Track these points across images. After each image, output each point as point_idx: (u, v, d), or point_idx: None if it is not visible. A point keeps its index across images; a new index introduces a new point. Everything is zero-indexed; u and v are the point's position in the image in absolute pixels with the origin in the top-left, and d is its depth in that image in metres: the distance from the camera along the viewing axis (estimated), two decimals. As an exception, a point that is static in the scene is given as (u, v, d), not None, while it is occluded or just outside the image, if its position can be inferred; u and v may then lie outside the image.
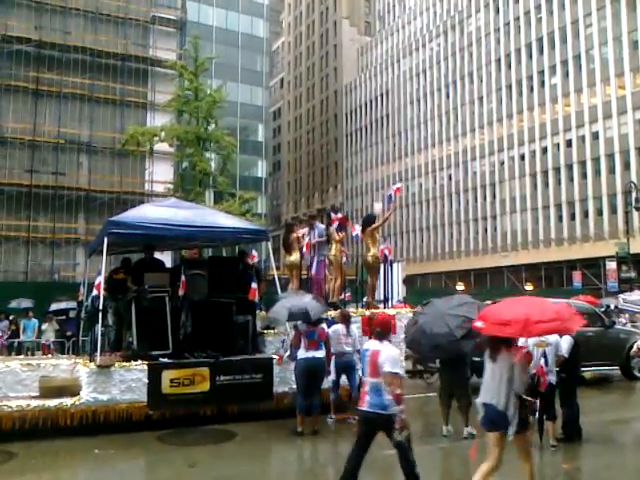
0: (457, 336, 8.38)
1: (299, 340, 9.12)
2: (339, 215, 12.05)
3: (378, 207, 13.48)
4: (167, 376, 9.14)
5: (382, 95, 72.72)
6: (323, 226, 11.98)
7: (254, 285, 10.31)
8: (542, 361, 7.85)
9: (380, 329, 5.97)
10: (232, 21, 56.45)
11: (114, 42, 40.66)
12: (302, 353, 9.03)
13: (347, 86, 77.99)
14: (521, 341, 7.99)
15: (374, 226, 11.74)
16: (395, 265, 12.35)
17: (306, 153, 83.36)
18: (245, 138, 56.10)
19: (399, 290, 12.43)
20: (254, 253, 12.34)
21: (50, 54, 38.80)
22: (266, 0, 60.24)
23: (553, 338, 8.02)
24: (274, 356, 10.07)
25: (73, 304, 17.15)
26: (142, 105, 41.35)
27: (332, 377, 9.68)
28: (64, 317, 18.73)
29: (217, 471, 7.33)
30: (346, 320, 9.77)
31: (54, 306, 19.90)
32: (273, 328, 10.87)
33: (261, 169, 60.66)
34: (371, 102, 74.26)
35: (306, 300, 9.36)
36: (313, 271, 11.64)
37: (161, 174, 39.19)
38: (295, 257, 12.03)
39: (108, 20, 41.05)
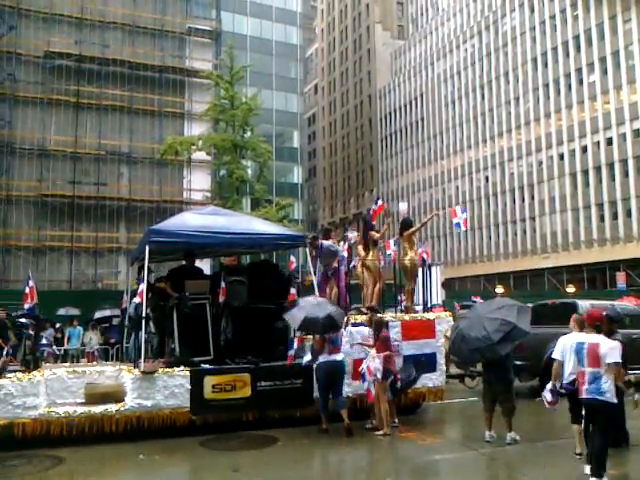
0: (494, 340, 8.28)
1: (322, 346, 9.39)
2: (380, 202, 12.11)
3: (403, 206, 13.40)
4: (209, 382, 9.24)
5: (417, 98, 72.37)
6: (328, 242, 11.92)
7: (293, 290, 10.39)
8: None
9: (595, 323, 6.86)
10: (266, 30, 57.02)
11: (151, 54, 41.46)
12: (324, 357, 9.34)
13: (381, 90, 77.86)
14: (560, 343, 7.83)
15: (412, 230, 11.73)
16: (434, 268, 12.25)
17: (341, 158, 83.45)
18: (281, 145, 56.55)
19: (438, 293, 12.33)
20: (292, 259, 12.41)
21: (90, 68, 39.77)
22: (299, 8, 60.69)
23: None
24: (303, 360, 10.03)
25: (116, 312, 17.52)
26: (179, 115, 42.05)
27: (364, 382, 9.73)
28: (107, 325, 19.12)
29: (261, 476, 7.38)
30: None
31: (98, 314, 20.34)
32: (312, 333, 10.92)
33: (297, 175, 61.01)
34: (406, 105, 73.96)
35: (330, 308, 9.49)
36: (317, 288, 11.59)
37: (199, 182, 39.77)
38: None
39: (145, 33, 41.87)
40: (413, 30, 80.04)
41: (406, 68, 76.00)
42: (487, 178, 60.88)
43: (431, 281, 11.79)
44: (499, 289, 43.91)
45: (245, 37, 53.90)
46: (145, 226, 39.35)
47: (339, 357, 9.34)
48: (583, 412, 7.70)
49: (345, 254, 11.41)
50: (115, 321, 18.27)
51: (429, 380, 10.69)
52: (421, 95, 71.66)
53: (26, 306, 10.63)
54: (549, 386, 7.92)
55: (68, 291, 33.98)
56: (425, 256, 11.77)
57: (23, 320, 11.94)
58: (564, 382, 7.71)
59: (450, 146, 66.22)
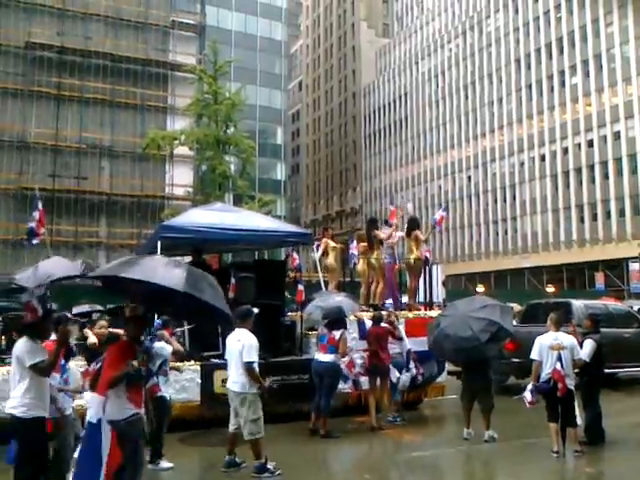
0: (481, 340, 8.33)
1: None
2: (392, 208, 12.48)
3: (410, 206, 13.68)
4: (219, 376, 9.27)
5: (401, 97, 72.54)
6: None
7: (301, 287, 10.48)
8: (558, 365, 7.71)
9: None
10: (251, 25, 56.74)
11: (134, 47, 41.14)
12: (315, 355, 9.33)
13: (366, 88, 77.93)
14: (537, 343, 7.94)
15: (422, 239, 11.91)
16: (435, 267, 12.47)
17: (325, 155, 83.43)
18: (264, 141, 56.35)
19: (438, 292, 12.53)
20: (295, 256, 12.65)
21: (72, 60, 39.37)
22: (284, 3, 60.47)
23: (568, 341, 7.91)
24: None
25: (96, 307, 17.31)
26: (162, 109, 41.79)
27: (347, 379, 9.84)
28: (86, 320, 18.86)
29: (238, 471, 7.35)
30: (392, 322, 9.96)
31: (76, 309, 20.05)
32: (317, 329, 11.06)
33: (280, 172, 60.86)
34: (390, 104, 74.10)
35: (337, 300, 9.57)
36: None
37: (181, 177, 39.56)
38: (330, 260, 12.31)
39: (128, 25, 41.54)
40: (398, 28, 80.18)
41: (390, 66, 76.14)
42: (469, 178, 61.22)
43: (432, 280, 12.00)
44: (480, 288, 44.11)
45: (230, 32, 53.57)
46: (126, 221, 39.31)
47: (324, 357, 9.01)
48: (560, 410, 7.81)
49: (355, 252, 11.61)
50: (95, 316, 18.03)
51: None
52: (405, 94, 71.85)
53: None
54: (529, 386, 8.01)
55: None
56: (427, 255, 11.93)
57: None
58: (540, 381, 7.81)
59: (433, 145, 66.48)
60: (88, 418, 5.23)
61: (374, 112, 76.49)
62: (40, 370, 5.19)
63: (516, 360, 12.07)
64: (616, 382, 13.65)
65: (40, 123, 38.34)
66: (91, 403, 5.29)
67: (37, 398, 5.23)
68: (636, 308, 23.36)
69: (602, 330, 11.88)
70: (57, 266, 9.55)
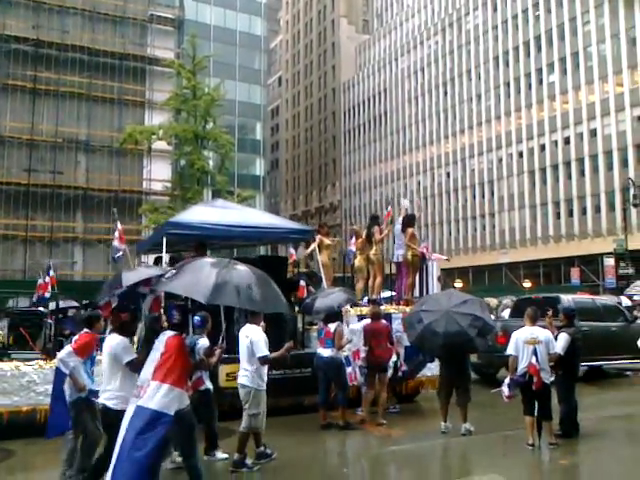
0: (471, 335, 8.46)
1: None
2: (389, 209, 12.96)
3: (405, 203, 13.92)
4: (223, 370, 9.37)
5: (380, 93, 72.70)
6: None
7: (302, 283, 10.56)
8: (533, 359, 7.80)
9: None
10: (230, 19, 56.34)
11: (112, 41, 40.72)
12: (317, 349, 9.55)
13: (345, 84, 77.99)
14: (513, 338, 8.05)
15: (408, 243, 12.09)
16: (430, 263, 12.73)
17: (304, 151, 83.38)
18: (243, 136, 56.05)
19: (434, 287, 12.78)
20: (292, 251, 12.77)
21: (48, 53, 38.83)
22: (264, -2, 60.15)
23: (543, 335, 8.01)
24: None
25: (71, 303, 17.11)
26: (140, 104, 41.42)
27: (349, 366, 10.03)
28: (62, 316, 18.65)
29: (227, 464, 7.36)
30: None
31: (52, 305, 19.82)
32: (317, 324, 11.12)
33: (259, 167, 60.57)
34: (369, 100, 74.24)
35: (333, 296, 9.71)
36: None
37: (159, 172, 39.25)
38: (324, 257, 12.42)
39: (106, 19, 41.09)
40: (378, 25, 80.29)
41: (370, 63, 76.26)
42: (448, 174, 61.59)
43: (428, 276, 12.25)
44: (458, 284, 44.43)
45: (208, 26, 53.09)
46: (103, 216, 38.89)
47: (323, 352, 9.24)
48: (536, 404, 7.90)
49: (353, 248, 11.72)
50: (70, 312, 17.84)
51: (427, 369, 11.13)
52: (385, 90, 72.00)
53: (47, 295, 10.98)
54: (507, 380, 8.09)
55: (22, 281, 33.15)
56: (425, 251, 12.17)
57: (42, 309, 11.96)
58: (516, 375, 7.90)
59: (412, 141, 66.75)
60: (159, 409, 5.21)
61: (353, 108, 76.59)
62: (134, 366, 5.67)
63: (507, 353, 12.31)
64: (602, 374, 14.05)
65: (15, 117, 37.80)
66: (168, 396, 5.25)
67: (128, 392, 5.58)
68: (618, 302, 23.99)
69: (591, 324, 12.25)
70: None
